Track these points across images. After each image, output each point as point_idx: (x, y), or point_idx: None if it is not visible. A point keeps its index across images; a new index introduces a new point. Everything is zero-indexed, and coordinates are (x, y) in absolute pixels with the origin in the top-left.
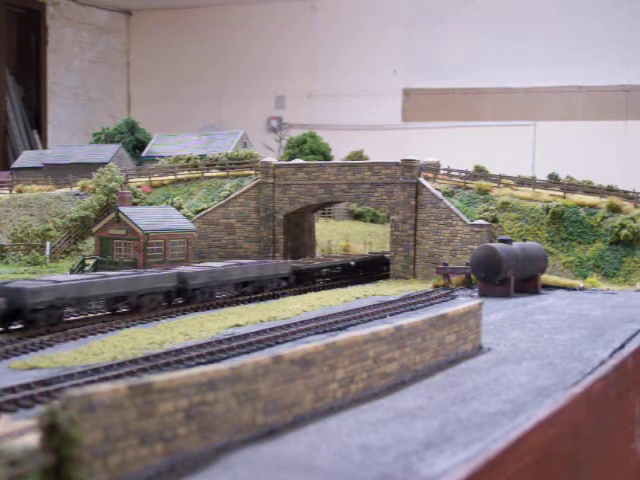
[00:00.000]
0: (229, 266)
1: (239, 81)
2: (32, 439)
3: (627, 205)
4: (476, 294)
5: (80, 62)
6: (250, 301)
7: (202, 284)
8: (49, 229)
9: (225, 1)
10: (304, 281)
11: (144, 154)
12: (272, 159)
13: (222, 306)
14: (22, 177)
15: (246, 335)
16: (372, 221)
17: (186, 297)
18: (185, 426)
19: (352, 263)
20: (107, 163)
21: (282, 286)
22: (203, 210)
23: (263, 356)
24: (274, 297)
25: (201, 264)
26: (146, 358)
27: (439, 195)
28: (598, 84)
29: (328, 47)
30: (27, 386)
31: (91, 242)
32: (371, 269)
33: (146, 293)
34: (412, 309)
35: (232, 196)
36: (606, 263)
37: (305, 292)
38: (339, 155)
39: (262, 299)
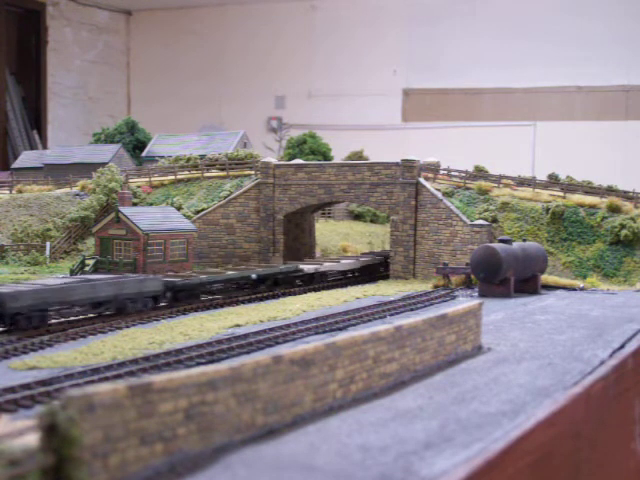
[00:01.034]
0: (71, 283)
1: (239, 81)
2: (32, 439)
3: (627, 205)
4: (476, 294)
5: (80, 62)
6: (250, 301)
7: (28, 307)
8: (49, 229)
9: (225, 1)
10: (184, 300)
11: (144, 154)
12: (272, 159)
13: (222, 306)
14: (22, 177)
15: (246, 335)
16: (372, 221)
17: (4, 324)
18: (185, 426)
19: (253, 276)
20: (107, 163)
21: (150, 307)
22: (203, 210)
23: (263, 356)
24: (274, 297)
25: (34, 280)
26: (146, 358)
27: (439, 195)
28: (598, 84)
29: (328, 47)
30: (27, 386)
31: (91, 242)
32: (280, 283)
33: None
34: (412, 309)
35: (232, 196)
36: (606, 263)
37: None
38: (339, 155)
39: (262, 299)
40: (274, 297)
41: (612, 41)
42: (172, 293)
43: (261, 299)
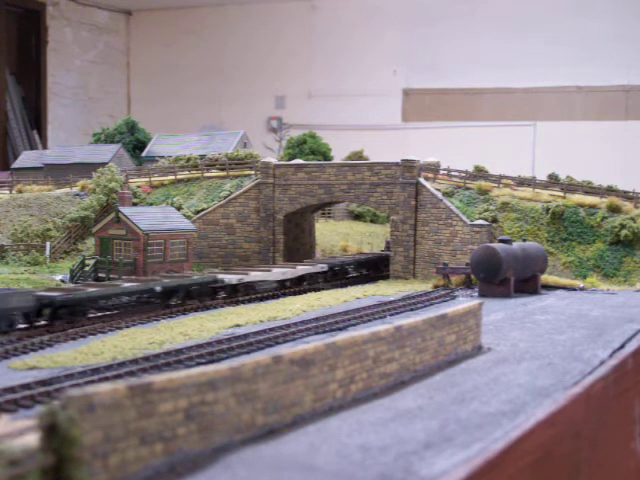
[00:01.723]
0: None
1: (239, 81)
2: (32, 439)
3: (627, 205)
4: (476, 294)
5: (80, 62)
6: (250, 301)
7: None
8: (49, 229)
9: (225, 1)
10: (67, 317)
11: (144, 154)
12: (272, 159)
13: (222, 306)
14: (22, 177)
15: (246, 335)
16: (372, 221)
17: None
18: (185, 426)
19: (157, 289)
20: (107, 163)
21: (17, 327)
22: (203, 210)
23: (263, 356)
24: (274, 297)
25: None
26: (146, 358)
27: (439, 195)
28: (598, 84)
29: (328, 47)
30: (27, 386)
31: (91, 242)
32: (195, 296)
33: None
34: (412, 309)
35: (232, 196)
36: (606, 263)
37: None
38: (339, 155)
39: (262, 299)
40: (274, 297)
41: (612, 41)
42: (51, 310)
43: (261, 299)
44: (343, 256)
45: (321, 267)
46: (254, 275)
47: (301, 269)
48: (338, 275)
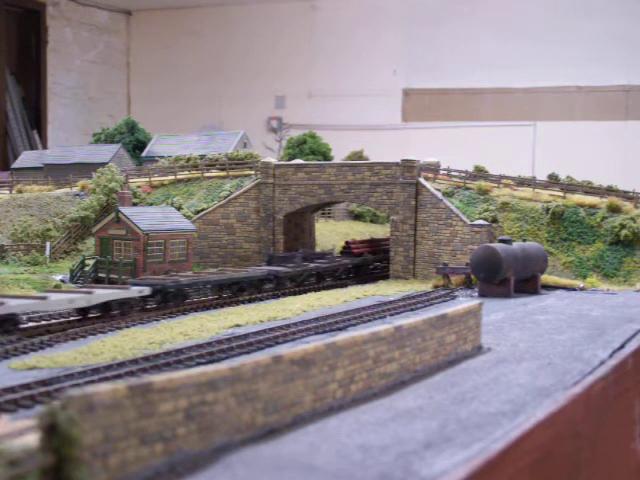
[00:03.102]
0: None
1: (239, 81)
2: (32, 439)
3: (627, 205)
4: (476, 294)
5: (80, 62)
6: (250, 301)
7: None
8: (49, 229)
9: (225, 1)
10: None
11: (144, 154)
12: (272, 159)
13: (222, 306)
14: (22, 177)
15: (246, 335)
16: (372, 221)
17: None
18: (185, 426)
19: None
20: (107, 163)
21: None
22: (203, 210)
23: (263, 356)
24: (274, 297)
25: None
26: (146, 358)
27: (439, 195)
28: (598, 84)
29: (328, 47)
30: (27, 386)
31: (91, 242)
32: None
33: None
34: (412, 309)
35: (232, 196)
36: (606, 263)
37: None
38: (339, 155)
39: (262, 299)
40: (274, 297)
41: (612, 41)
42: None
43: (261, 299)
44: (192, 274)
45: (139, 291)
46: (16, 305)
47: (100, 295)
48: (172, 300)
